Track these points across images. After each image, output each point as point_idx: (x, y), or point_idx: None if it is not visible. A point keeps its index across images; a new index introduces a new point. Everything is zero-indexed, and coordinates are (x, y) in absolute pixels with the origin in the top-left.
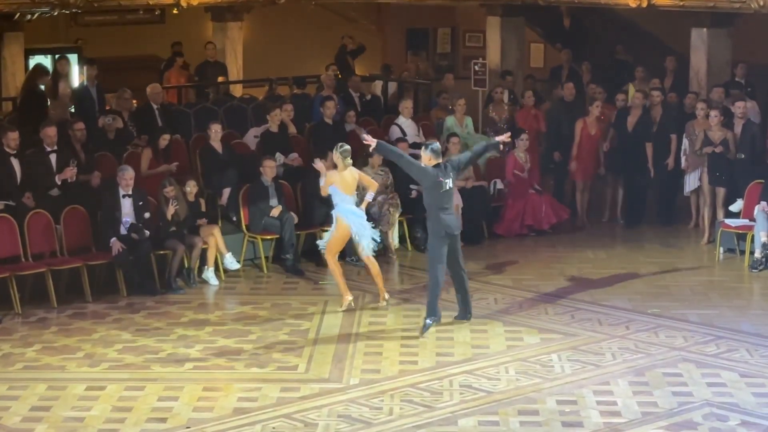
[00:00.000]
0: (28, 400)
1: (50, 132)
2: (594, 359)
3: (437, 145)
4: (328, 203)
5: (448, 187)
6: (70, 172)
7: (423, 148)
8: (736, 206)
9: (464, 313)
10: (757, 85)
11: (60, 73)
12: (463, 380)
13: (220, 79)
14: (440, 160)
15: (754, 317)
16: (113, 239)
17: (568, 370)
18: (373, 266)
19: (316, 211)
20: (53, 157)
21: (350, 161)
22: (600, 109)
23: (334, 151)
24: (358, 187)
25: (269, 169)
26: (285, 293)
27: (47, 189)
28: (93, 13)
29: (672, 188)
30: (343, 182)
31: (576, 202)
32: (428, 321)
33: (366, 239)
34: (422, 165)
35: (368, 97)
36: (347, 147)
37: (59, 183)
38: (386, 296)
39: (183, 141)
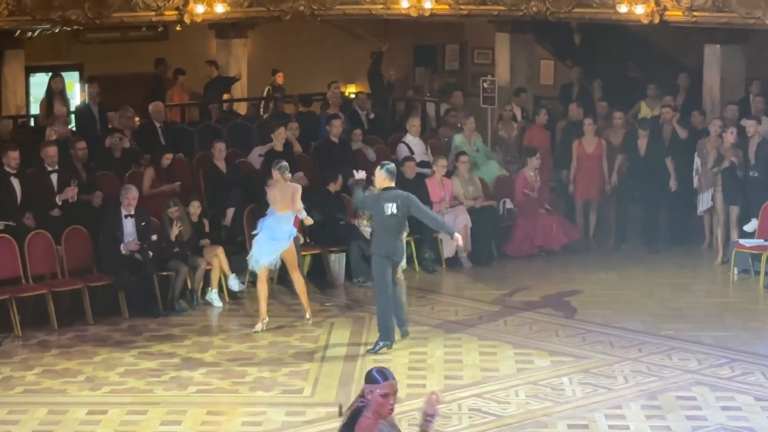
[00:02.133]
0: (29, 425)
1: (51, 152)
2: (606, 382)
3: (392, 166)
4: (335, 224)
5: (389, 212)
6: (71, 192)
7: (378, 167)
8: (751, 226)
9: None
10: None
11: (54, 91)
12: (473, 404)
13: (225, 96)
14: (393, 183)
15: None
16: (125, 242)
17: (580, 393)
18: (298, 282)
19: (322, 231)
20: (54, 177)
21: (289, 175)
22: (593, 126)
23: (272, 167)
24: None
25: None
26: (290, 315)
27: (48, 209)
28: (95, 30)
29: (685, 208)
30: (275, 198)
31: (575, 221)
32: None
33: (263, 261)
34: (369, 193)
35: (372, 115)
36: (285, 163)
37: (60, 203)
38: (308, 314)
39: (186, 160)
